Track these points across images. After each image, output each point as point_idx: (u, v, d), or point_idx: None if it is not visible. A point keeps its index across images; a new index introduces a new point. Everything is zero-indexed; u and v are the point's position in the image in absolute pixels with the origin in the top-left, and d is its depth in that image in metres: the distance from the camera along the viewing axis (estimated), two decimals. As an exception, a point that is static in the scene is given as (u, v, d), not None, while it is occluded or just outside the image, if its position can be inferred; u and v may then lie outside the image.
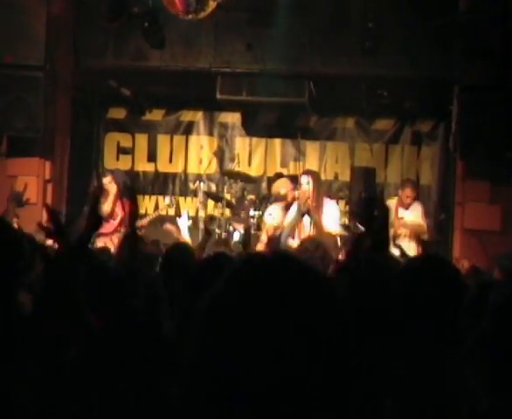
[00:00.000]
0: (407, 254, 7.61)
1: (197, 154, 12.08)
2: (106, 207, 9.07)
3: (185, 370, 1.16)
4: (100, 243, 8.63)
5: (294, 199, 8.69)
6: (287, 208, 8.62)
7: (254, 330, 1.10)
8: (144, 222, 9.42)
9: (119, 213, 9.29)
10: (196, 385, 1.13)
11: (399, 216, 8.98)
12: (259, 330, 1.10)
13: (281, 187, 9.23)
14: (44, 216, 9.50)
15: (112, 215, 9.18)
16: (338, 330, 1.14)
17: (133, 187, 9.15)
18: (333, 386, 1.11)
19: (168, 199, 11.05)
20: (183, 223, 7.44)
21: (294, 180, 10.08)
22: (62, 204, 10.06)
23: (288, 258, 1.19)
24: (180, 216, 7.91)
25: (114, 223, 9.22)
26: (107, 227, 9.08)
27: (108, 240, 8.83)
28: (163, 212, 10.53)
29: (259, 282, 1.14)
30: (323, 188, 8.80)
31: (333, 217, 8.09)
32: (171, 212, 10.87)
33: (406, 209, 9.08)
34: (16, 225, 8.53)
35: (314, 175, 8.54)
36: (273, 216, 8.61)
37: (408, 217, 9.00)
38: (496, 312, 2.30)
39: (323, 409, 1.10)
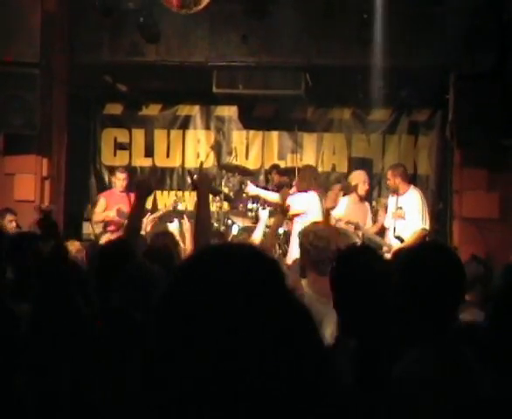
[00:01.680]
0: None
1: (194, 149, 12.07)
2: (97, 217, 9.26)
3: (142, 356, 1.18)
4: (104, 238, 8.69)
5: (366, 192, 9.24)
6: (360, 200, 9.22)
7: (203, 316, 1.12)
8: (155, 216, 9.46)
9: (123, 210, 9.31)
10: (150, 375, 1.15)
11: (398, 205, 8.95)
12: (206, 317, 1.11)
13: (353, 178, 9.39)
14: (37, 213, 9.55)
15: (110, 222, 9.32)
16: (288, 319, 1.15)
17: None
18: (290, 376, 1.11)
19: (173, 197, 11.13)
20: (175, 228, 7.59)
21: (292, 172, 10.13)
22: (60, 201, 10.05)
23: (243, 248, 1.22)
24: (172, 221, 8.03)
25: (119, 219, 9.24)
26: (114, 224, 9.15)
27: (114, 236, 8.87)
28: (170, 208, 10.59)
29: (208, 272, 1.16)
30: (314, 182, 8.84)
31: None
32: (190, 207, 11.04)
33: (396, 194, 9.00)
34: (14, 223, 8.55)
35: (301, 172, 9.11)
36: (338, 208, 9.04)
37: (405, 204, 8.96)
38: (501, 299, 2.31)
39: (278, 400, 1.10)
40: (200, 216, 4.24)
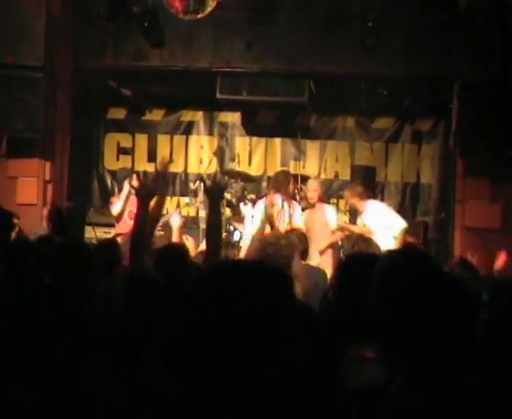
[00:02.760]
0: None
1: (197, 154, 12.09)
2: (118, 207, 9.08)
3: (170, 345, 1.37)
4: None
5: (315, 199, 9.14)
6: (312, 206, 9.13)
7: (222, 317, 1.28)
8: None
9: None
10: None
11: (364, 223, 8.93)
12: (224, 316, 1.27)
13: (306, 187, 9.41)
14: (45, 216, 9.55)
15: (122, 216, 9.17)
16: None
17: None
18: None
19: (187, 198, 11.17)
20: (175, 222, 7.59)
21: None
22: (62, 205, 10.05)
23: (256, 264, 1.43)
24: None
25: (130, 222, 9.18)
26: (124, 227, 9.07)
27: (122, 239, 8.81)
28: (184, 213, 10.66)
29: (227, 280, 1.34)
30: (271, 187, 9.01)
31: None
32: (192, 213, 11.10)
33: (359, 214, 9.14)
34: (16, 227, 8.55)
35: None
36: (297, 218, 9.02)
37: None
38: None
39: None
40: (211, 224, 4.30)
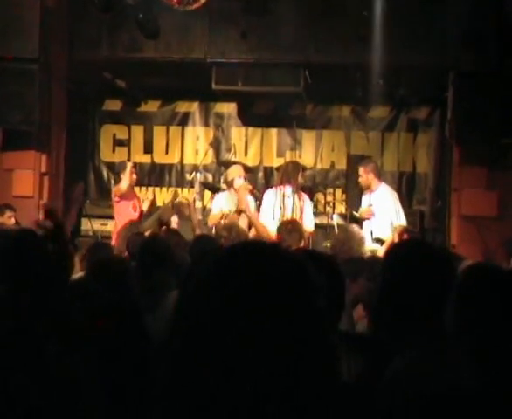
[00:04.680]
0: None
1: (193, 145, 12.07)
2: (124, 183, 9.09)
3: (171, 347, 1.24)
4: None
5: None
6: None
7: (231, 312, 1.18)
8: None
9: (137, 206, 9.29)
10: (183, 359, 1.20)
11: (370, 202, 8.72)
12: (235, 311, 1.18)
13: (230, 174, 9.21)
14: (41, 212, 9.55)
15: (127, 193, 9.19)
16: (311, 313, 1.21)
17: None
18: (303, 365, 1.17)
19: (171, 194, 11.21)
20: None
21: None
22: (58, 197, 10.06)
23: (266, 248, 1.28)
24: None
25: (135, 214, 9.19)
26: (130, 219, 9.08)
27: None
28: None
29: (236, 269, 1.23)
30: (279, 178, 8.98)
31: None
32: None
33: (369, 191, 8.84)
34: (13, 220, 8.56)
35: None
36: (215, 203, 9.08)
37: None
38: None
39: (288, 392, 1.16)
40: None
